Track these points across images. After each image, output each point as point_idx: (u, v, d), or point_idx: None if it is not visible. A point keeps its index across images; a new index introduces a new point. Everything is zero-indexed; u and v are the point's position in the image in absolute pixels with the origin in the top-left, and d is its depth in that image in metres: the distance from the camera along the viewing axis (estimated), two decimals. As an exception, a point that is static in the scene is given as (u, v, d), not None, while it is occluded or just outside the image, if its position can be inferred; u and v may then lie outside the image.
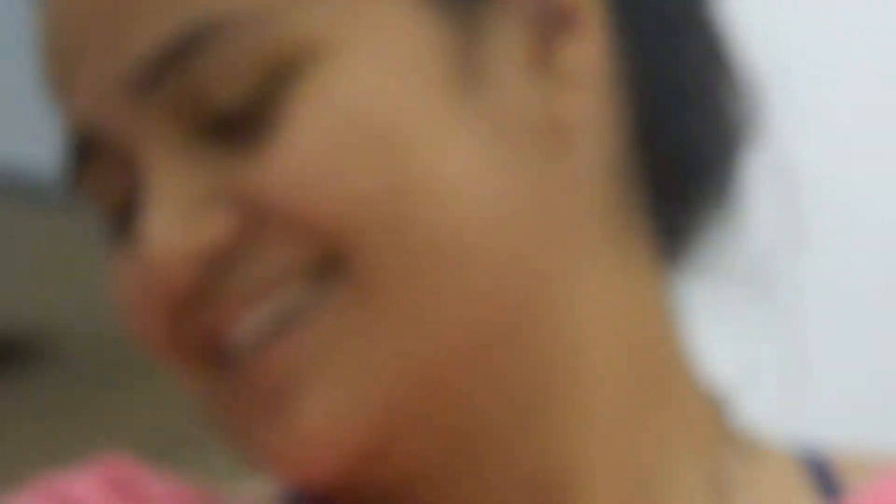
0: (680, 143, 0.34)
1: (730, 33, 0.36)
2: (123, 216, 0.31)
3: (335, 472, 0.29)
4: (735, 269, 0.36)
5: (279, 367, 0.29)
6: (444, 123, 0.30)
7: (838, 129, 0.92)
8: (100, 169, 0.31)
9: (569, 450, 0.32)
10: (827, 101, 0.89)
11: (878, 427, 0.75)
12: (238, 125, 0.29)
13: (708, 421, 0.35)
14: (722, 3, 0.36)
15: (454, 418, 0.31)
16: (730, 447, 0.34)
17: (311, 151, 0.29)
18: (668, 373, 0.34)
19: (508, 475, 0.31)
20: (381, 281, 0.29)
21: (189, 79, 0.29)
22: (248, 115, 0.29)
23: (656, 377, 0.34)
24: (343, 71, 0.29)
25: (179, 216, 0.29)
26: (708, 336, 0.38)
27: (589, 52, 0.32)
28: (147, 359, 0.33)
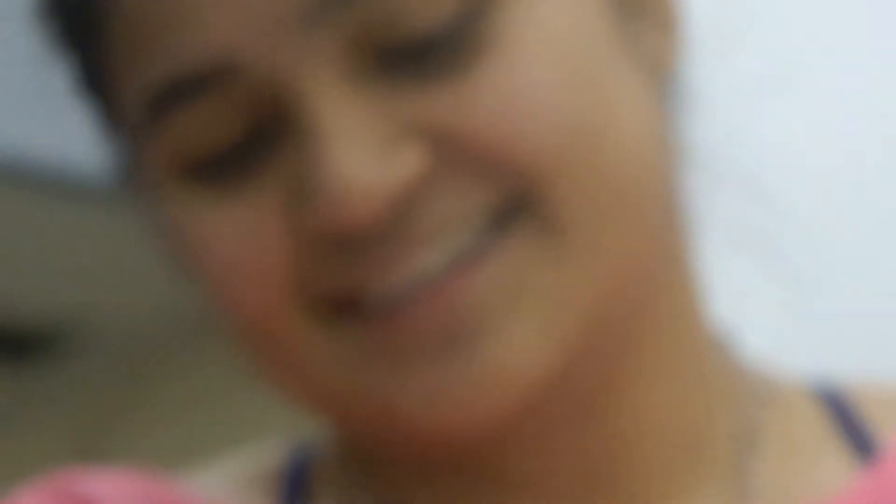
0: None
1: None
2: (225, 161, 0.29)
3: (518, 407, 0.28)
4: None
5: (460, 305, 0.28)
6: (620, 60, 0.30)
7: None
8: (211, 107, 0.28)
9: (641, 412, 0.31)
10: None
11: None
12: (430, 53, 0.27)
13: (732, 373, 0.34)
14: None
15: (608, 355, 0.31)
16: (752, 395, 0.34)
17: (525, 81, 0.27)
18: (705, 332, 0.34)
19: (607, 423, 0.31)
20: (572, 217, 0.28)
21: (375, 6, 0.27)
22: (444, 42, 0.27)
23: (702, 337, 0.33)
24: (548, 2, 0.28)
25: (372, 153, 0.27)
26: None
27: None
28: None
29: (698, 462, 0.32)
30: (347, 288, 0.29)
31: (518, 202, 0.28)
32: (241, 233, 0.29)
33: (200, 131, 0.29)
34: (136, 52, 0.29)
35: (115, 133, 0.32)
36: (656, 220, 0.31)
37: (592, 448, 0.31)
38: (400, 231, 0.27)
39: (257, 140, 0.28)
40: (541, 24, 0.28)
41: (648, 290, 0.31)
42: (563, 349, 0.28)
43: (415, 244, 0.28)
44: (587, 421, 0.31)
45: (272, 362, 0.31)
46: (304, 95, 0.27)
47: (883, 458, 0.32)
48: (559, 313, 0.28)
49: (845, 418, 0.34)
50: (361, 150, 0.27)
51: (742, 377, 0.34)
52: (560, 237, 0.28)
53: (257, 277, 0.29)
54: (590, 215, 0.28)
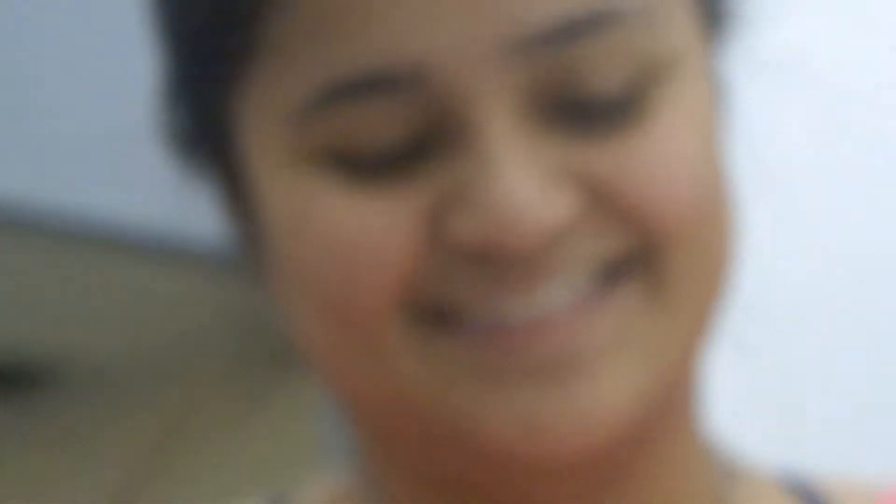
0: None
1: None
2: (380, 159, 0.30)
3: (605, 445, 0.30)
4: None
5: (573, 341, 0.30)
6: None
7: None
8: (384, 107, 0.30)
9: (654, 481, 0.33)
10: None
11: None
12: (600, 111, 0.30)
13: (710, 457, 0.35)
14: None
15: (664, 424, 0.33)
16: (727, 481, 0.35)
17: (674, 152, 0.31)
18: (694, 406, 0.35)
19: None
20: (679, 276, 0.31)
21: (570, 57, 0.30)
22: (614, 105, 0.30)
23: (693, 410, 0.35)
24: (691, 87, 0.32)
25: (538, 186, 0.29)
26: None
27: None
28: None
29: None
30: (465, 301, 0.30)
31: (638, 255, 0.30)
32: (377, 225, 0.30)
33: (364, 126, 0.30)
34: (330, 35, 0.30)
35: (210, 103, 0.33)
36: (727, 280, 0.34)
37: (617, 496, 0.32)
38: (537, 262, 0.29)
39: (417, 147, 0.30)
40: (688, 105, 0.31)
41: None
42: (654, 399, 0.31)
43: (546, 277, 0.30)
44: (623, 479, 0.32)
45: (359, 366, 0.32)
46: (483, 119, 0.29)
47: None
48: (658, 366, 0.31)
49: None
50: (531, 181, 0.29)
51: (717, 462, 0.35)
52: (665, 292, 0.30)
53: (378, 269, 0.30)
54: (693, 276, 0.31)
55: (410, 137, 0.30)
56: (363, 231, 0.30)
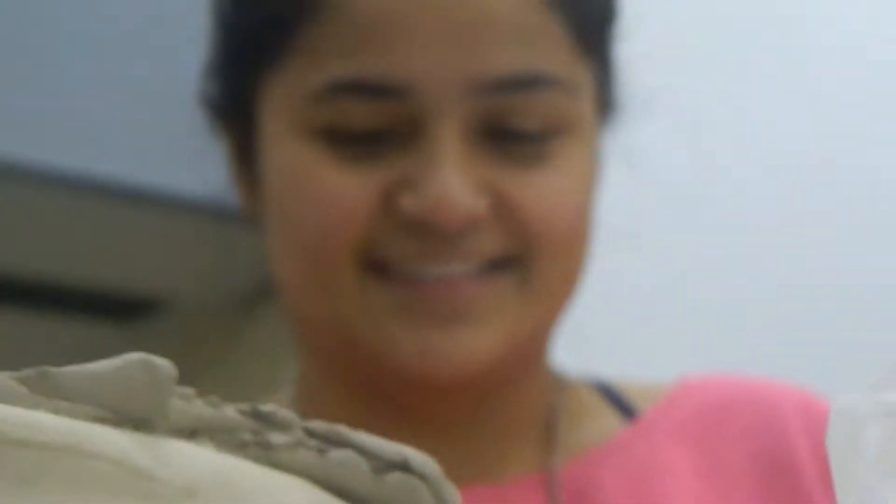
0: None
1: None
2: (359, 142, 0.42)
3: (478, 372, 0.43)
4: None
5: (468, 301, 0.42)
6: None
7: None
8: (375, 101, 0.42)
9: (518, 395, 0.47)
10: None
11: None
12: (519, 146, 0.42)
13: (550, 370, 0.50)
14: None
15: (523, 366, 0.46)
16: (556, 386, 0.49)
17: (565, 186, 0.43)
18: (547, 350, 0.50)
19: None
20: (542, 276, 0.43)
21: (508, 102, 0.42)
22: (531, 143, 0.42)
23: (546, 353, 0.49)
24: (585, 146, 0.45)
25: (466, 188, 0.41)
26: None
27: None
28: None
29: (530, 427, 0.47)
30: (400, 259, 0.43)
31: (519, 255, 0.43)
32: (348, 192, 0.42)
33: (355, 116, 0.42)
34: (346, 46, 0.42)
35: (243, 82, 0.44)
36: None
37: (487, 410, 0.46)
38: (453, 242, 0.42)
39: (386, 139, 0.42)
40: (580, 157, 0.44)
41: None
42: (507, 350, 0.43)
43: (457, 254, 0.42)
44: (495, 395, 0.46)
45: (314, 295, 0.44)
46: (439, 133, 0.41)
47: (639, 419, 0.49)
48: (513, 329, 0.43)
49: (614, 398, 0.49)
50: (461, 182, 0.41)
51: (553, 376, 0.50)
52: (530, 285, 0.43)
53: (342, 225, 0.42)
54: (554, 278, 0.44)
55: (383, 131, 0.42)
56: (337, 194, 0.42)
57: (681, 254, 1.13)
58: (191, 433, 0.19)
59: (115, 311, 1.94)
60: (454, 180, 0.41)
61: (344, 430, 0.20)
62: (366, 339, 0.43)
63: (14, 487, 0.18)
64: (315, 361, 0.48)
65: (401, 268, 0.43)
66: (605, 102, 0.46)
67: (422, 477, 0.20)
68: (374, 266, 0.43)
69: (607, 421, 0.49)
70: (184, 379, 0.19)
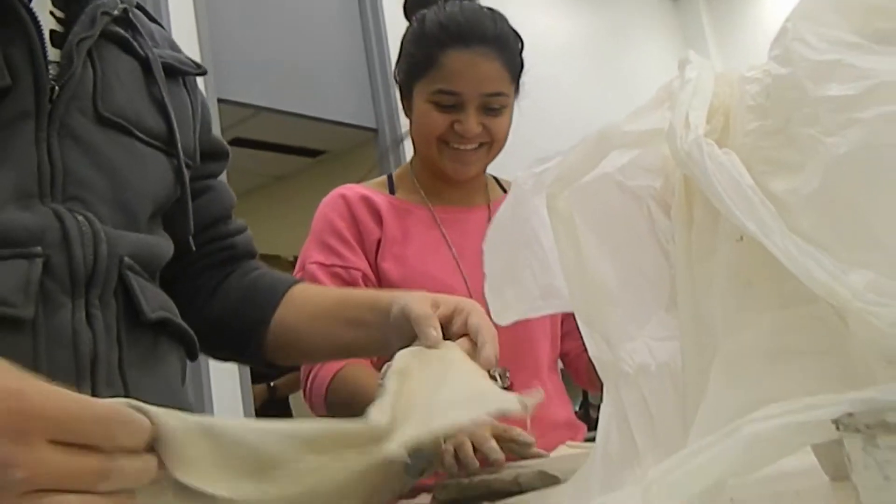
0: None
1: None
2: (444, 112, 1.36)
3: (467, 178, 1.45)
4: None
5: (469, 157, 1.39)
6: None
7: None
8: (449, 97, 1.36)
9: None
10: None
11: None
12: (493, 112, 1.38)
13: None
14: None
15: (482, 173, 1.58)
16: (485, 176, 1.59)
17: (506, 124, 1.42)
18: None
19: None
20: (495, 150, 1.47)
21: (493, 100, 1.38)
22: (496, 112, 1.38)
23: None
24: (510, 111, 1.45)
25: (476, 124, 1.36)
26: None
27: None
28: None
29: (483, 190, 1.56)
30: (453, 143, 1.39)
31: (487, 142, 1.44)
32: (438, 119, 1.38)
33: (442, 99, 1.37)
34: (445, 77, 1.37)
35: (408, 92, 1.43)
36: None
37: (471, 184, 1.52)
38: (469, 141, 1.40)
39: (451, 108, 1.38)
40: (508, 114, 1.43)
41: None
42: (480, 171, 1.49)
43: (470, 143, 1.41)
44: (474, 181, 1.52)
45: (424, 151, 1.42)
46: (471, 109, 1.40)
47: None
48: (482, 166, 1.47)
49: (500, 183, 1.60)
50: (477, 123, 1.39)
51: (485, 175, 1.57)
52: (490, 153, 1.48)
53: (434, 130, 1.38)
54: (496, 150, 1.47)
55: (452, 105, 1.37)
56: (435, 122, 1.37)
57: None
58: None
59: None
60: (474, 123, 1.36)
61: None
62: (438, 163, 1.40)
63: None
64: (420, 163, 1.46)
65: (452, 146, 1.38)
66: (519, 82, 1.45)
67: None
68: (444, 145, 1.38)
69: (499, 192, 1.52)
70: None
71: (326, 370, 1.25)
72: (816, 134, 0.51)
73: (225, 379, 2.56)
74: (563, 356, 1.50)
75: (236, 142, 4.51)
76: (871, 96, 0.49)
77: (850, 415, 0.44)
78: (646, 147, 0.68)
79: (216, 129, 2.87)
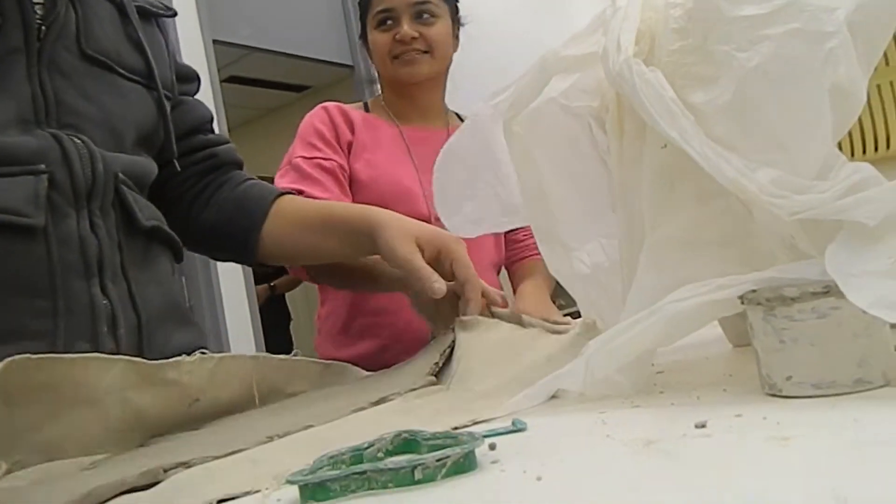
0: None
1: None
2: (386, 30, 1.37)
3: (417, 80, 1.39)
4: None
5: (412, 60, 1.37)
6: None
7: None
8: (386, 14, 1.36)
9: None
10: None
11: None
12: (426, 20, 1.38)
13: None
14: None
15: (436, 85, 1.50)
16: (446, 108, 1.52)
17: (442, 31, 1.39)
18: None
19: None
20: (438, 53, 1.42)
21: (423, 7, 1.36)
22: (428, 19, 1.37)
23: None
24: (445, 21, 1.41)
25: (412, 29, 1.35)
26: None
27: None
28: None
29: (442, 114, 1.48)
30: (399, 52, 1.36)
31: (426, 50, 1.40)
32: (383, 38, 1.36)
33: (382, 18, 1.37)
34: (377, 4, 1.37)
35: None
36: None
37: (428, 99, 1.45)
38: (409, 43, 1.37)
39: (391, 23, 1.37)
40: (443, 23, 1.38)
41: None
42: (428, 75, 1.41)
43: (410, 46, 1.37)
44: (428, 93, 1.45)
45: (382, 65, 1.38)
46: (405, 18, 1.37)
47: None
48: (427, 69, 1.40)
49: (460, 118, 1.53)
50: (412, 29, 1.36)
51: (444, 104, 1.50)
52: (432, 56, 1.42)
53: (384, 46, 1.36)
54: (439, 53, 1.42)
55: (390, 21, 1.36)
56: (381, 41, 1.36)
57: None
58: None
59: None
60: (408, 28, 1.34)
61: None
62: (394, 76, 1.37)
63: None
64: (387, 89, 1.42)
65: (400, 56, 1.35)
66: (455, 10, 1.42)
67: None
68: (394, 59, 1.35)
69: (458, 121, 1.46)
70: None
71: None
72: (730, 50, 0.49)
73: (231, 281, 2.55)
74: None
75: (231, 79, 4.37)
76: (779, 14, 0.47)
77: (754, 291, 0.44)
78: (583, 70, 0.66)
79: (212, 69, 2.84)
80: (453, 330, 0.72)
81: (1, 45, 0.69)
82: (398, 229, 0.80)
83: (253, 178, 0.97)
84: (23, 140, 0.68)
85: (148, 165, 0.82)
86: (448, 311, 0.77)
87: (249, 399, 0.66)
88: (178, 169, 0.88)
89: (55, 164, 0.69)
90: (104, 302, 0.69)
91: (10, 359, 0.51)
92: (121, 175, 0.75)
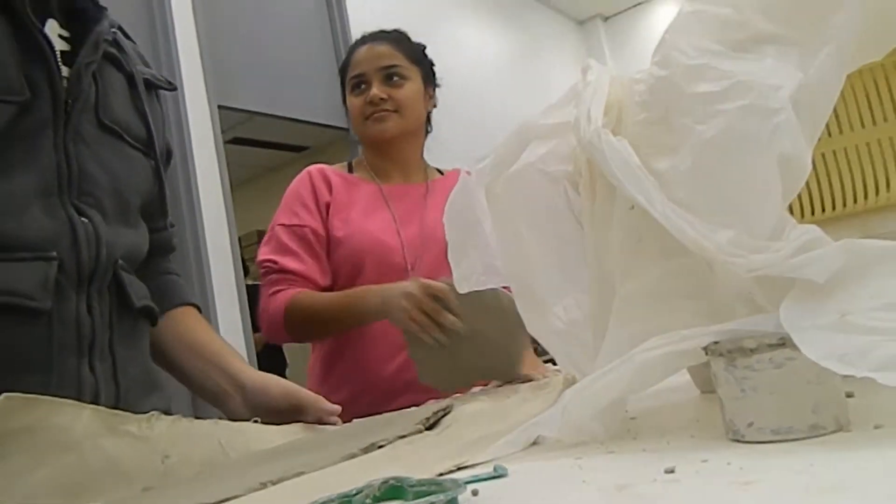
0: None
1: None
2: (359, 94, 1.35)
3: (386, 138, 1.38)
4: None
5: (382, 118, 1.36)
6: None
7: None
8: (360, 80, 1.36)
9: None
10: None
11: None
12: (395, 83, 1.37)
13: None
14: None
15: (409, 141, 1.48)
16: (425, 162, 1.50)
17: (411, 93, 1.38)
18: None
19: None
20: (408, 116, 1.40)
21: (392, 71, 1.37)
22: (397, 82, 1.37)
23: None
24: (415, 84, 1.39)
25: (380, 92, 1.34)
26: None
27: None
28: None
29: (420, 169, 1.47)
30: (370, 115, 1.36)
31: (394, 110, 1.39)
32: (358, 102, 1.36)
33: (357, 84, 1.37)
34: (352, 68, 1.38)
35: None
36: None
37: (401, 156, 1.42)
38: (378, 105, 1.37)
39: (363, 87, 1.37)
40: (412, 86, 1.38)
41: None
42: (397, 133, 1.38)
43: (378, 108, 1.36)
44: (398, 149, 1.41)
45: (357, 127, 1.37)
46: (375, 82, 1.37)
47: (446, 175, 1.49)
48: (395, 128, 1.38)
49: (440, 172, 1.51)
50: (381, 92, 1.37)
51: (423, 160, 1.50)
52: (401, 116, 1.39)
53: (360, 108, 1.36)
54: (408, 116, 1.40)
55: (361, 85, 1.37)
56: (356, 104, 1.37)
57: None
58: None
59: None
60: (377, 91, 1.34)
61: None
62: (367, 135, 1.37)
63: None
64: (367, 149, 1.42)
65: (371, 117, 1.35)
66: (429, 73, 1.42)
67: None
68: (366, 120, 1.36)
69: (437, 174, 1.46)
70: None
71: (277, 302, 1.23)
72: (689, 122, 0.51)
73: (230, 329, 2.53)
74: None
75: (234, 140, 4.41)
76: (730, 92, 0.49)
77: (716, 343, 0.44)
78: (558, 137, 0.68)
79: (217, 132, 2.88)
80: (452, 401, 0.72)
81: (31, 120, 0.70)
82: (272, 386, 0.87)
83: (172, 274, 0.96)
84: (39, 224, 0.69)
85: (144, 242, 0.83)
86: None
87: (222, 456, 0.65)
88: (171, 233, 0.90)
89: (65, 250, 0.70)
90: (91, 379, 0.70)
91: None
92: (121, 261, 0.76)
